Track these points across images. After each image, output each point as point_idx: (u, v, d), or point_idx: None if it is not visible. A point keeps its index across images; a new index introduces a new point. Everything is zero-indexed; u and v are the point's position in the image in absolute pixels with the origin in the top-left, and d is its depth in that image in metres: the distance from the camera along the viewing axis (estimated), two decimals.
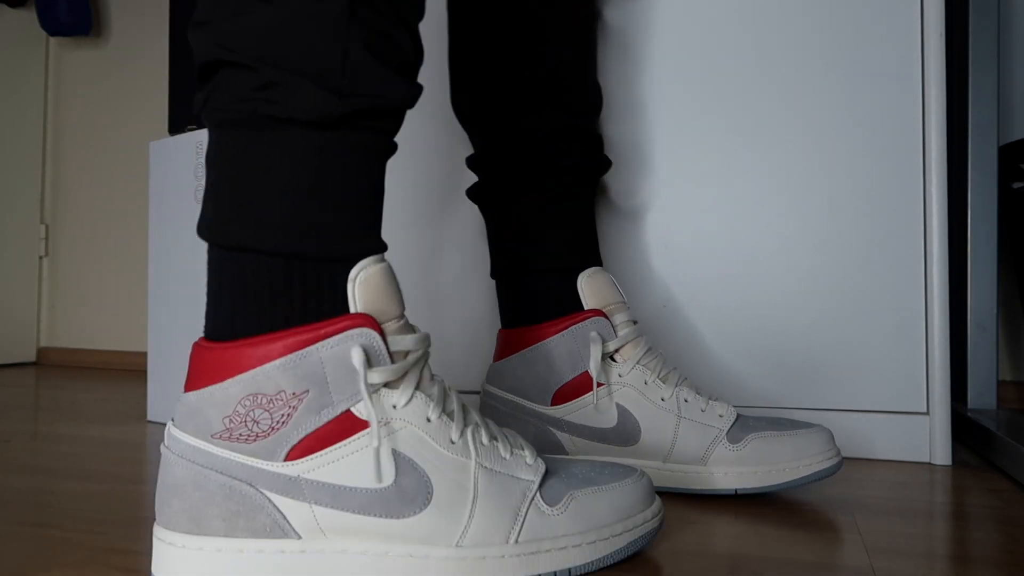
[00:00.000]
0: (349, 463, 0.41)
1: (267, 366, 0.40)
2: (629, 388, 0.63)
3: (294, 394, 0.40)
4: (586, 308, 0.64)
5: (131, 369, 1.85)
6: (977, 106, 0.95)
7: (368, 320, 0.41)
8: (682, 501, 0.59)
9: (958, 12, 0.99)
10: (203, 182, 0.92)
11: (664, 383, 0.63)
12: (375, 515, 0.41)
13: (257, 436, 0.40)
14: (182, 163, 0.95)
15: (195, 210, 0.93)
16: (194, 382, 0.41)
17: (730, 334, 0.81)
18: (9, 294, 1.92)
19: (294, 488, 0.41)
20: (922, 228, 0.76)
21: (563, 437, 0.64)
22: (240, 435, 0.40)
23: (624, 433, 0.63)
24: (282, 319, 0.41)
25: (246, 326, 0.41)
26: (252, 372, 0.40)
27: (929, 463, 0.75)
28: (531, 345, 0.65)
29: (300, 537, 0.41)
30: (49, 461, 0.74)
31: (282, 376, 0.40)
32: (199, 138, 0.93)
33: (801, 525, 0.53)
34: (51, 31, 1.81)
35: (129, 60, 1.91)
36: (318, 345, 0.40)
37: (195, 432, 0.41)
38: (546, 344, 0.64)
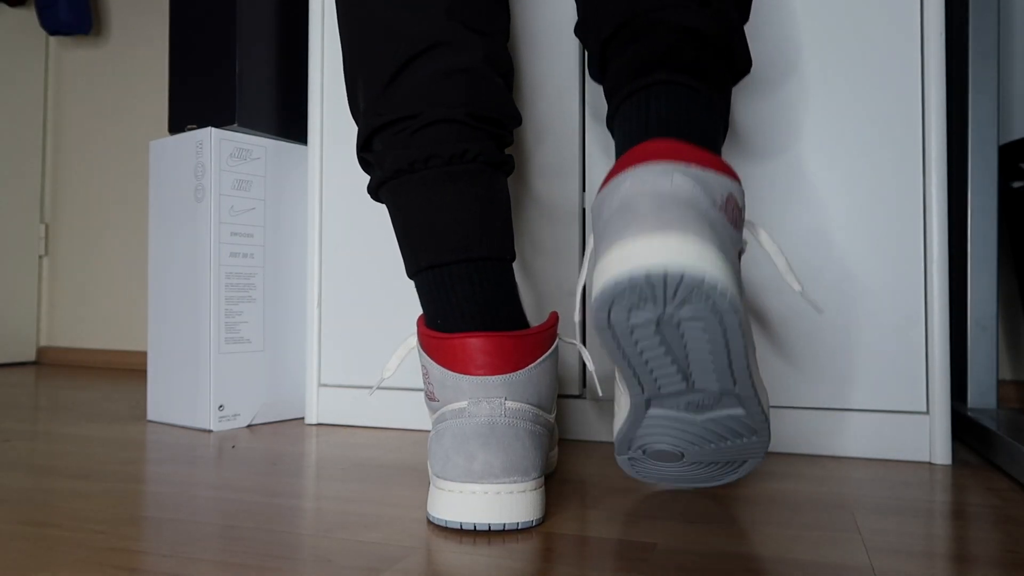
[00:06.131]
0: None
1: None
2: None
3: None
4: None
5: (131, 369, 1.85)
6: (977, 105, 0.95)
7: None
8: (682, 502, 0.59)
9: (958, 11, 0.98)
10: (203, 182, 0.92)
11: None
12: None
13: None
14: (182, 163, 0.95)
15: (195, 210, 0.93)
16: None
17: None
18: (9, 294, 1.92)
19: None
20: (922, 228, 0.76)
21: None
22: None
23: None
24: None
25: None
26: None
27: (929, 463, 0.75)
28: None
29: None
30: (49, 461, 0.74)
31: None
32: (199, 138, 0.93)
33: (801, 525, 0.53)
34: (51, 30, 1.81)
35: (129, 60, 1.91)
36: None
37: None
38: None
